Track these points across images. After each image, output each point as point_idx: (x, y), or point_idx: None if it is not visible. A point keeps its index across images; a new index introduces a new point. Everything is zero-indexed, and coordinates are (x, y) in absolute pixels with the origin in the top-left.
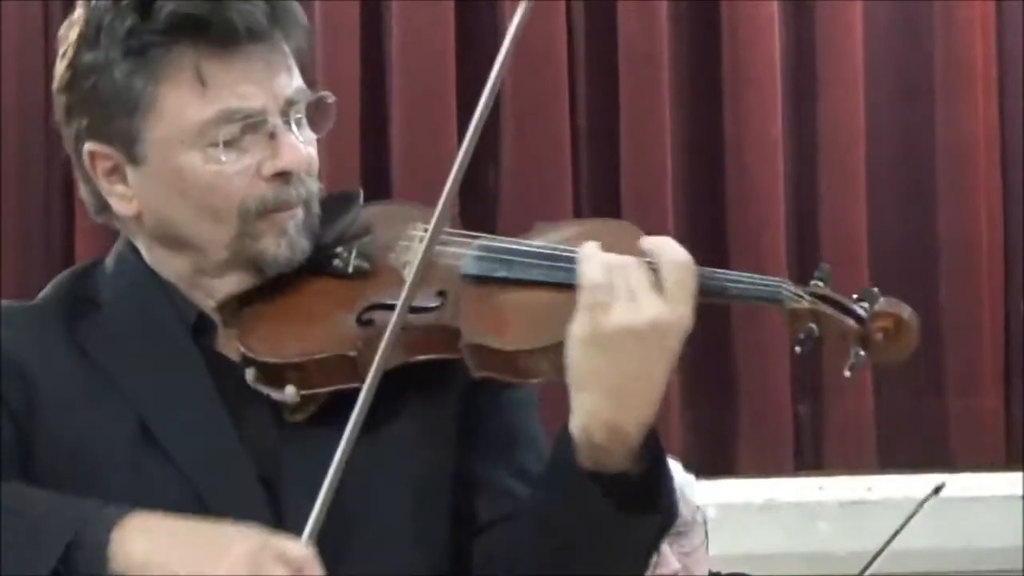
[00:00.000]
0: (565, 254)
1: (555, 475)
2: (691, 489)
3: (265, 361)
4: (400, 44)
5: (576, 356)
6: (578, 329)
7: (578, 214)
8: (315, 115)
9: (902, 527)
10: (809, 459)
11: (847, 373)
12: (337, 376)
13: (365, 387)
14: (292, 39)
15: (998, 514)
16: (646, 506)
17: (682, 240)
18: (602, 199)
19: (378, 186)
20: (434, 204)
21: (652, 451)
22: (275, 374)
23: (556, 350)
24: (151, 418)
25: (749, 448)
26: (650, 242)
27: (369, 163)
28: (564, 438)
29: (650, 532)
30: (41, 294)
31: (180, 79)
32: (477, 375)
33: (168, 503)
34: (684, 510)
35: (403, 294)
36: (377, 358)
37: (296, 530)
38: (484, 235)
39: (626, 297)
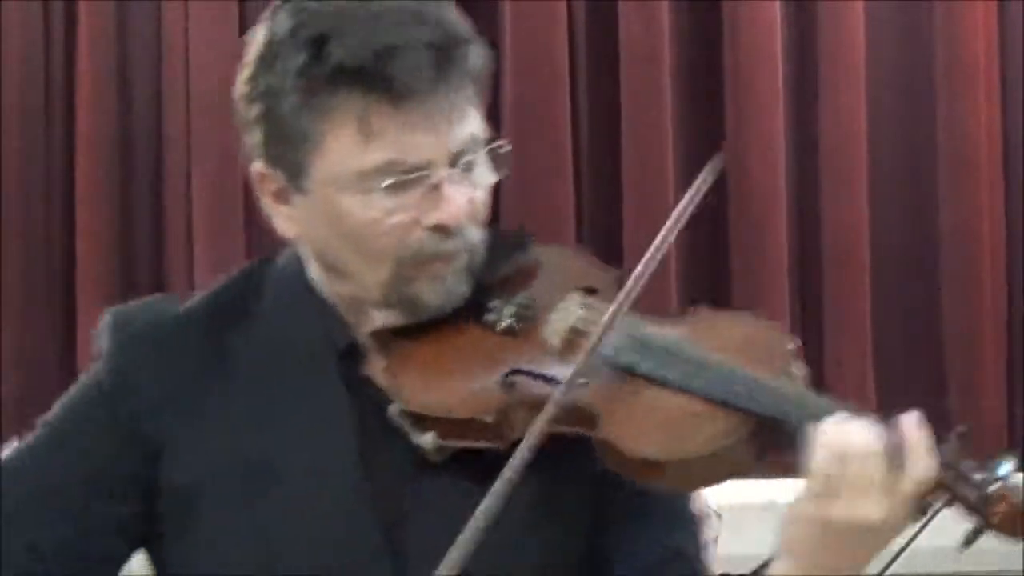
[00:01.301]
0: (728, 373)
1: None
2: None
3: (410, 411)
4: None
5: (792, 528)
6: (806, 508)
7: (579, 214)
8: (493, 160)
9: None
10: None
11: (962, 549)
12: (473, 435)
13: (515, 462)
14: (466, 87)
15: None
16: None
17: (683, 239)
18: (603, 199)
19: None
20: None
21: None
22: (418, 420)
23: (685, 465)
24: (278, 444)
25: None
26: (909, 446)
27: None
28: None
29: None
30: (207, 291)
31: (345, 125)
32: (602, 465)
33: (281, 537)
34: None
35: (569, 374)
36: (532, 436)
37: (416, 569)
38: (649, 321)
39: (866, 492)
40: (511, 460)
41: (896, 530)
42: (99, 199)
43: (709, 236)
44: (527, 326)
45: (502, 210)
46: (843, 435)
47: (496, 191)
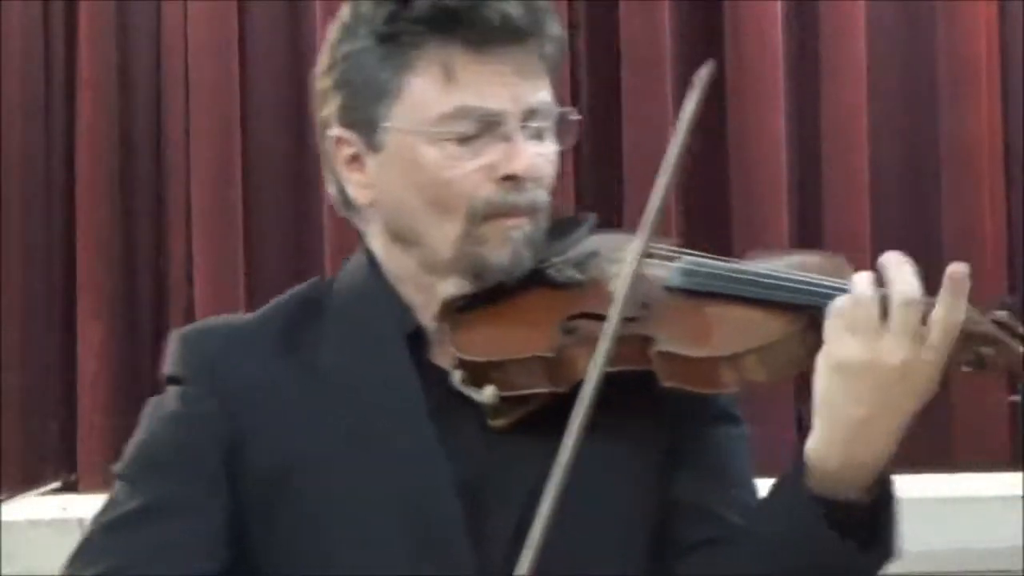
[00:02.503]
0: (783, 277)
1: (781, 494)
2: None
3: (469, 360)
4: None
5: (823, 383)
6: (830, 357)
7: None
8: (559, 130)
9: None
10: None
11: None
12: (534, 379)
13: (585, 395)
14: (547, 48)
15: (999, 514)
16: (868, 539)
17: (685, 239)
18: (604, 199)
19: None
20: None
21: (884, 485)
22: (478, 374)
23: (739, 360)
24: (360, 424)
25: (751, 448)
26: (942, 294)
27: None
28: (796, 460)
29: (868, 565)
30: (269, 304)
31: (428, 71)
32: (666, 384)
33: (372, 510)
34: None
35: (615, 304)
36: (597, 364)
37: (496, 538)
38: (695, 252)
39: (887, 333)
40: (578, 399)
41: (932, 375)
42: (99, 199)
43: (710, 235)
44: (588, 277)
45: None
46: (860, 285)
47: None
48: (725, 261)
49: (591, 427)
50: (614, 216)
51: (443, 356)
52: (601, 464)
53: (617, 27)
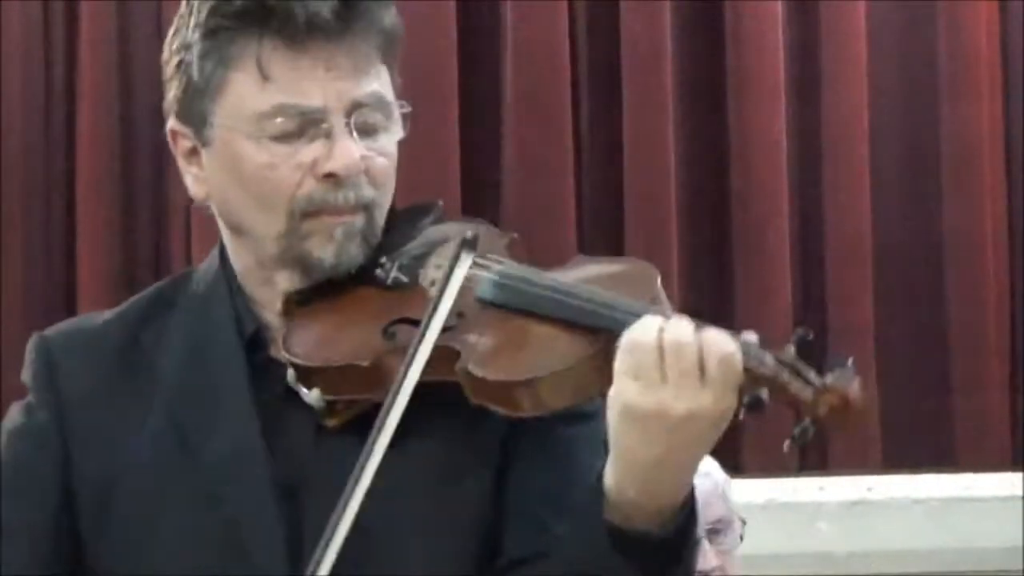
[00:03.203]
0: (587, 297)
1: (582, 517)
2: (729, 487)
3: (297, 363)
4: (402, 45)
5: (612, 422)
6: (616, 399)
7: (580, 213)
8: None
9: None
10: (813, 459)
11: (786, 446)
12: (354, 385)
13: (388, 402)
14: (374, 40)
15: (998, 514)
16: (659, 568)
17: (685, 240)
18: (605, 198)
19: None
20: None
21: (684, 514)
22: (306, 376)
23: (534, 385)
24: (188, 427)
25: (752, 448)
26: (705, 334)
27: None
28: (596, 488)
29: None
30: (133, 297)
31: (245, 67)
32: (472, 401)
33: (194, 514)
34: (722, 509)
35: (426, 313)
36: (403, 372)
37: (313, 536)
38: (511, 262)
39: (666, 381)
40: (383, 407)
41: (720, 419)
42: (99, 198)
43: (711, 235)
44: (414, 280)
45: (504, 208)
46: (640, 329)
47: (498, 190)
48: (540, 272)
49: (411, 432)
50: (615, 214)
51: (280, 346)
52: (424, 469)
53: (617, 27)
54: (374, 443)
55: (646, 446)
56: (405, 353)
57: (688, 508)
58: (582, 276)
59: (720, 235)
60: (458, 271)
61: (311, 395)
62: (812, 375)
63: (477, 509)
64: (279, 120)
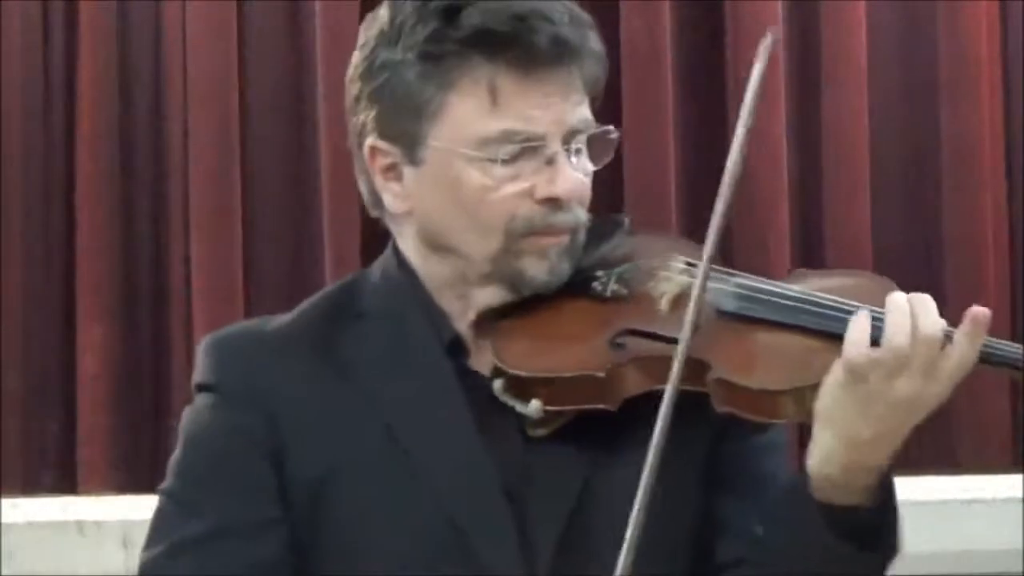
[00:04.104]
0: (831, 305)
1: (787, 505)
2: None
3: (515, 374)
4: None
5: (828, 399)
6: (846, 371)
7: None
8: (596, 147)
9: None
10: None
11: None
12: (582, 395)
13: (662, 412)
14: (588, 66)
15: (999, 517)
16: (871, 542)
17: (686, 238)
18: (605, 198)
19: None
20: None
21: (885, 489)
22: (523, 387)
23: (801, 393)
24: (401, 429)
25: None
26: (961, 335)
27: None
28: (801, 472)
29: (873, 566)
30: (301, 306)
31: (472, 91)
32: (720, 410)
33: (415, 514)
34: None
35: (685, 325)
36: (672, 377)
37: (540, 544)
38: (745, 274)
39: (904, 368)
40: (657, 425)
41: (936, 405)
42: (99, 199)
43: None
44: (634, 291)
45: None
46: (894, 305)
47: None
48: (773, 285)
49: (630, 439)
50: (615, 215)
51: (480, 363)
52: (636, 474)
53: (617, 26)
54: (649, 460)
55: (859, 423)
56: (637, 364)
57: (888, 483)
58: (812, 282)
59: (721, 235)
60: (700, 281)
61: (531, 406)
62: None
63: (688, 517)
64: (504, 145)
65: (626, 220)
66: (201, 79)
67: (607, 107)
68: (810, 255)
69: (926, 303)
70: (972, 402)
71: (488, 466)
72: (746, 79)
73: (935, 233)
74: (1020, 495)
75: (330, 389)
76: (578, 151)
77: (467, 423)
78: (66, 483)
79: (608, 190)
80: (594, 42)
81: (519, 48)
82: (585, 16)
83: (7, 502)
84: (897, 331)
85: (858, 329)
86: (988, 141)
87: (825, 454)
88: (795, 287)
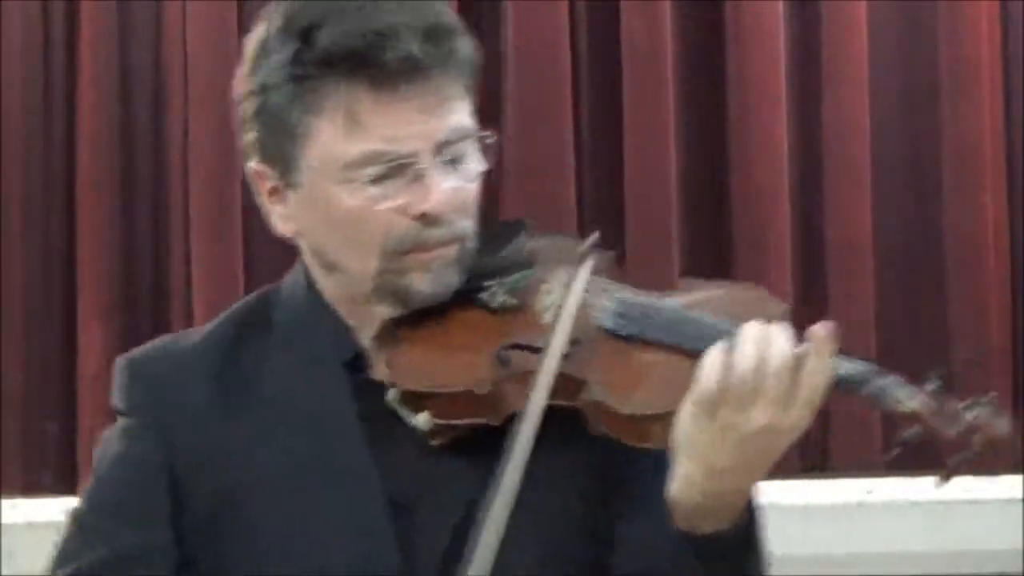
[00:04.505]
0: (710, 326)
1: (655, 531)
2: None
3: (404, 388)
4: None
5: (683, 429)
6: (697, 404)
7: (581, 214)
8: (477, 151)
9: None
10: (814, 460)
11: (939, 483)
12: (466, 410)
13: (522, 429)
14: (455, 75)
15: (998, 517)
16: (734, 565)
17: (686, 241)
18: (605, 199)
19: None
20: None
21: (748, 512)
22: (412, 400)
23: (671, 419)
24: (297, 447)
25: None
26: (805, 349)
27: None
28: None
29: None
30: (217, 319)
31: (333, 114)
32: (594, 432)
33: (308, 532)
34: None
35: (551, 343)
36: (531, 401)
37: (428, 553)
38: (629, 288)
39: (756, 399)
40: (515, 437)
41: (795, 433)
42: (99, 199)
43: (712, 236)
44: (522, 303)
45: (504, 208)
46: (739, 340)
47: (498, 190)
48: (656, 299)
49: (538, 455)
50: (615, 214)
51: (380, 369)
52: (533, 488)
53: (617, 27)
54: (503, 474)
55: (717, 454)
56: (521, 380)
57: (750, 509)
58: (695, 298)
59: (720, 235)
60: (574, 297)
61: (420, 419)
62: (960, 413)
63: (576, 533)
64: (371, 166)
65: (527, 223)
66: (201, 79)
67: (608, 107)
68: (810, 255)
69: (775, 333)
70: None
71: (375, 480)
72: (746, 80)
73: (936, 233)
74: (1020, 495)
75: (234, 409)
76: (454, 160)
77: (357, 440)
78: (66, 483)
79: (608, 190)
80: (461, 46)
81: (374, 68)
82: (449, 21)
83: (7, 502)
84: (745, 364)
85: (708, 363)
86: (989, 141)
87: (685, 482)
88: (679, 300)
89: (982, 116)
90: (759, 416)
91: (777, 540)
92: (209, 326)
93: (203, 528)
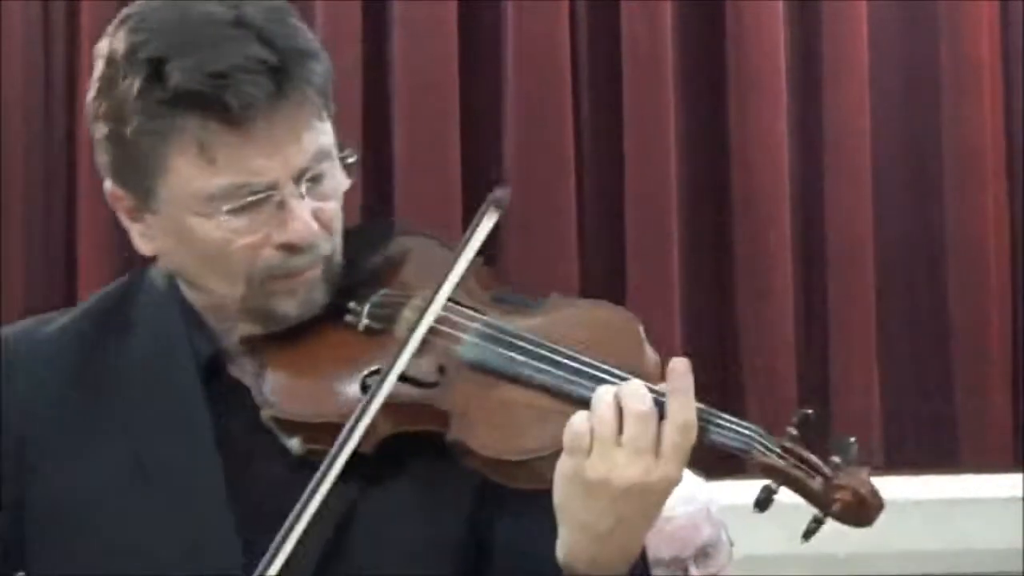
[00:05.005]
0: (574, 366)
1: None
2: (715, 507)
3: (274, 416)
4: (402, 45)
5: (559, 493)
6: (565, 467)
7: (581, 214)
8: (338, 169)
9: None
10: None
11: (802, 540)
12: (335, 439)
13: (335, 450)
14: (308, 102)
15: (1000, 516)
16: None
17: (686, 241)
18: (606, 199)
19: (380, 189)
20: (440, 221)
21: (637, 567)
22: (284, 425)
23: (531, 464)
24: (145, 453)
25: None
26: (668, 398)
27: (371, 165)
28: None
29: None
30: (82, 305)
31: (186, 149)
32: (460, 463)
33: (153, 540)
34: (709, 531)
35: (390, 370)
36: (351, 424)
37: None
38: (492, 316)
39: (620, 454)
40: (328, 457)
41: (668, 487)
42: (99, 198)
43: (712, 236)
44: (386, 325)
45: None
46: (601, 360)
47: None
48: (521, 327)
49: (385, 476)
50: (615, 214)
51: (245, 373)
52: (389, 513)
53: (618, 27)
54: (317, 486)
55: (594, 516)
56: (386, 407)
57: (639, 567)
58: (563, 326)
59: (720, 235)
60: (428, 317)
61: (292, 443)
62: (821, 467)
63: (445, 554)
64: (229, 199)
65: (390, 227)
66: None
67: (608, 107)
68: (811, 255)
69: (633, 390)
70: (972, 402)
71: (220, 479)
72: (746, 80)
73: (936, 232)
74: (1020, 495)
75: (87, 408)
76: (316, 179)
77: (209, 448)
78: None
79: (608, 190)
80: (315, 68)
81: (222, 106)
82: (300, 44)
83: None
84: (603, 427)
85: (569, 427)
86: (989, 140)
87: (569, 549)
88: (535, 329)
89: (983, 116)
90: (630, 470)
91: (778, 539)
92: (73, 312)
93: (41, 520)
